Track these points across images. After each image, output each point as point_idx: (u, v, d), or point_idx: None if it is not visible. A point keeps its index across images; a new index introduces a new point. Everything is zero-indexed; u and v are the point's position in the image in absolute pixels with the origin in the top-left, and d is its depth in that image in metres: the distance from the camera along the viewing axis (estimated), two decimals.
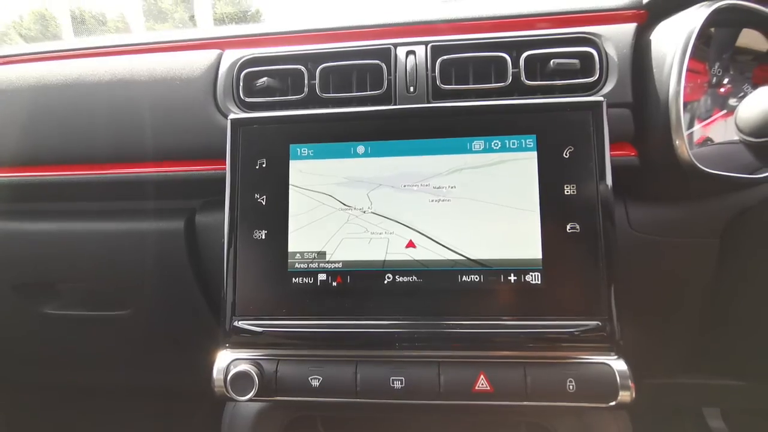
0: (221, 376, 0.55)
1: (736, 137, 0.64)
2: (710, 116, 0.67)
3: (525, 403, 0.52)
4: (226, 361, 0.55)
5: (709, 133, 0.67)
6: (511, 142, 0.56)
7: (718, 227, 0.67)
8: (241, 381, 0.53)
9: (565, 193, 0.54)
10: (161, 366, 1.05)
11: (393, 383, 0.53)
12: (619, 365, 0.52)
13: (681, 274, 0.70)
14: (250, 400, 0.54)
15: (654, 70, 0.60)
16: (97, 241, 0.81)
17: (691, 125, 0.66)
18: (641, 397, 0.69)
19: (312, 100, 0.65)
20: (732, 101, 0.66)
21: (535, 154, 0.55)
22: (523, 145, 0.55)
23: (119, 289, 0.85)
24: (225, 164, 0.60)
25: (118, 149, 0.74)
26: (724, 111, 0.67)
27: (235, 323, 0.56)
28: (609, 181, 0.53)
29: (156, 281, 0.84)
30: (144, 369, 1.06)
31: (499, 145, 0.56)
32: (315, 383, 0.54)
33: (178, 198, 0.80)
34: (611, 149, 0.55)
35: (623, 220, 0.68)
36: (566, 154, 0.54)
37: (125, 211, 0.81)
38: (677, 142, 0.60)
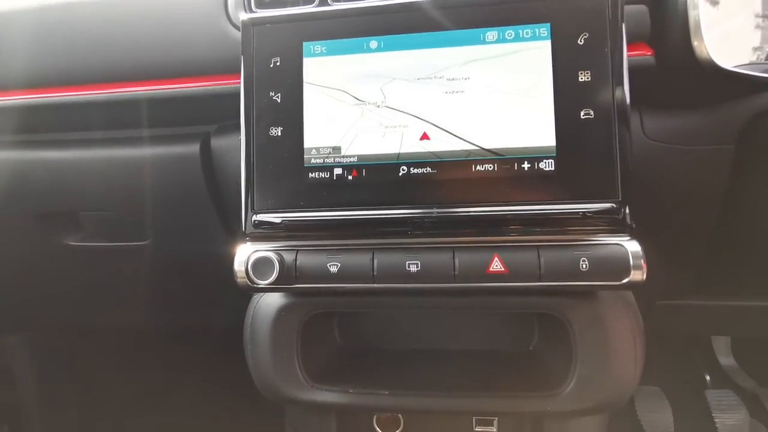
0: (242, 267, 0.57)
1: (757, 38, 0.63)
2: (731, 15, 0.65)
3: (538, 283, 0.53)
4: (247, 252, 0.57)
5: (729, 33, 0.66)
6: (525, 31, 0.55)
7: (734, 133, 0.66)
8: (262, 266, 0.55)
9: (579, 80, 0.54)
10: (181, 303, 1.08)
11: (409, 267, 0.55)
12: (631, 245, 0.52)
13: (696, 184, 0.70)
14: (271, 286, 0.56)
15: None
16: (114, 168, 0.82)
17: (710, 23, 0.65)
18: (652, 321, 0.71)
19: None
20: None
21: (549, 42, 0.55)
22: (537, 35, 0.55)
23: (138, 217, 0.86)
24: (239, 78, 0.60)
25: (126, 65, 0.74)
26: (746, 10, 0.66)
27: (254, 217, 0.58)
28: (624, 65, 0.53)
29: (173, 207, 0.85)
30: (164, 308, 1.09)
31: (513, 35, 0.55)
32: (333, 269, 0.56)
33: (193, 123, 0.81)
34: (627, 49, 0.54)
35: (638, 129, 0.68)
36: (581, 41, 0.54)
37: (141, 137, 0.82)
38: (696, 43, 0.60)
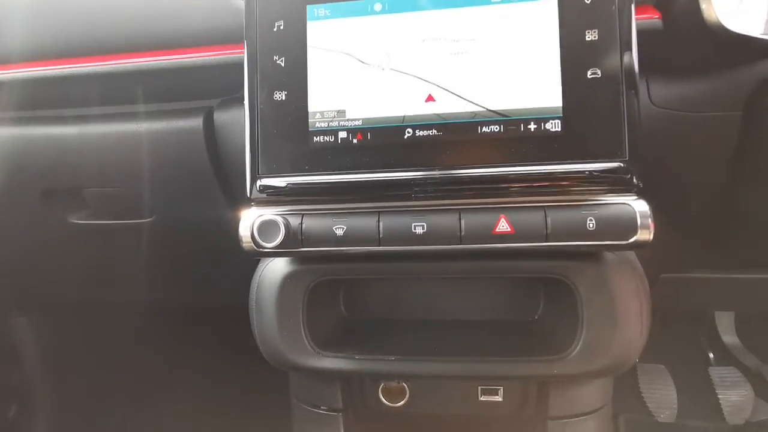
0: (248, 231, 0.57)
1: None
2: None
3: (545, 244, 0.53)
4: (252, 216, 0.57)
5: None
6: None
7: (742, 99, 0.65)
8: (267, 229, 0.55)
9: (586, 39, 0.53)
10: (187, 281, 1.09)
11: (415, 229, 0.54)
12: (639, 205, 0.52)
13: (702, 152, 0.70)
14: (277, 250, 0.56)
15: None
16: (116, 143, 0.82)
17: None
18: (656, 294, 0.70)
19: None
20: None
21: (555, 1, 0.54)
22: None
23: (142, 194, 0.86)
24: (242, 48, 0.60)
25: (126, 37, 0.74)
26: None
27: (259, 181, 0.58)
28: (633, 23, 0.52)
29: (177, 183, 0.85)
30: (170, 286, 1.10)
31: None
32: (339, 232, 0.56)
33: (196, 98, 0.81)
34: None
35: (644, 95, 0.67)
36: (588, 0, 0.53)
37: (143, 112, 0.82)
38: (704, 6, 0.59)
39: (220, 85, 0.77)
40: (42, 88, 0.81)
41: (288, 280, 0.64)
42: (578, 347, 0.60)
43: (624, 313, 0.58)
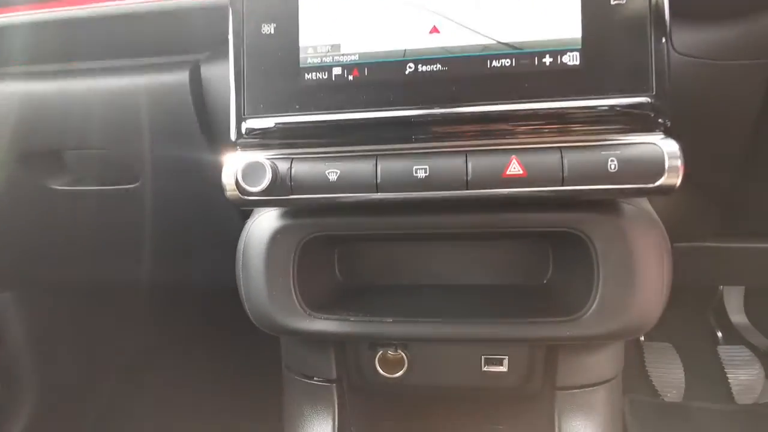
0: (232, 177, 0.52)
1: None
2: None
3: (561, 188, 0.48)
4: (237, 160, 0.52)
5: None
6: None
7: None
8: (253, 172, 0.50)
9: None
10: (175, 254, 1.03)
11: (416, 173, 0.49)
12: (667, 145, 0.47)
13: (727, 105, 0.64)
14: (264, 198, 0.51)
15: None
16: (98, 100, 0.76)
17: None
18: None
19: None
20: None
21: None
22: None
23: (126, 156, 0.81)
24: None
25: None
26: None
27: (245, 122, 0.52)
28: None
29: (162, 144, 0.79)
30: (159, 259, 1.04)
31: None
32: (332, 177, 0.50)
33: (182, 52, 0.75)
34: None
35: None
36: None
37: (128, 67, 0.77)
38: None
39: (207, 37, 0.72)
40: (14, 38, 0.75)
41: (277, 236, 0.59)
42: (593, 307, 0.55)
43: (644, 268, 0.53)
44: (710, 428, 1.13)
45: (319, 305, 0.63)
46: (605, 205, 0.54)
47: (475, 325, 0.58)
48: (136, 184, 0.84)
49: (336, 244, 0.70)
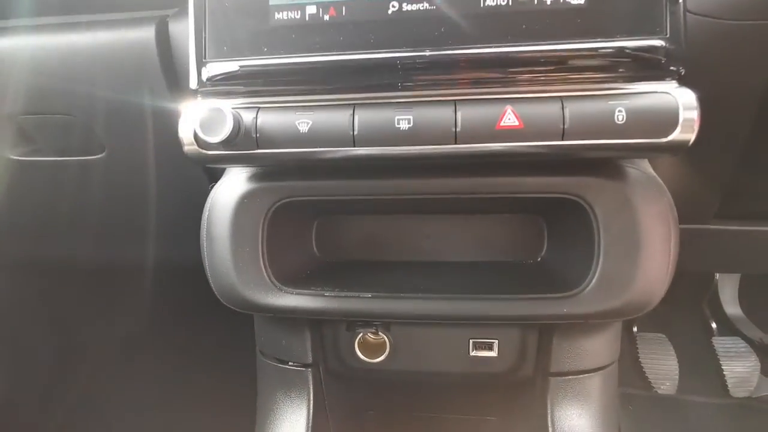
0: (189, 131, 0.46)
1: None
2: None
3: (561, 142, 0.42)
4: (195, 109, 0.45)
5: None
6: None
7: None
8: (212, 119, 0.43)
9: None
10: (145, 232, 0.97)
11: (398, 123, 0.43)
12: (683, 94, 0.41)
13: (740, 69, 0.59)
14: (228, 152, 0.45)
15: None
16: (59, 58, 0.70)
17: None
18: None
19: None
20: None
21: None
22: None
23: (90, 124, 0.74)
24: None
25: None
26: None
27: (206, 67, 0.46)
28: None
29: (129, 107, 0.73)
30: (126, 238, 0.98)
31: None
32: (303, 128, 0.44)
33: (150, 7, 0.69)
34: None
35: None
36: None
37: (91, 22, 0.70)
38: None
39: None
40: None
41: (244, 201, 0.53)
42: (593, 282, 0.49)
43: (649, 238, 0.48)
44: (704, 423, 1.09)
45: (292, 281, 0.57)
46: (607, 168, 0.49)
47: (463, 302, 0.53)
48: (102, 154, 0.78)
49: (314, 217, 0.64)
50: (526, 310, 0.51)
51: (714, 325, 1.22)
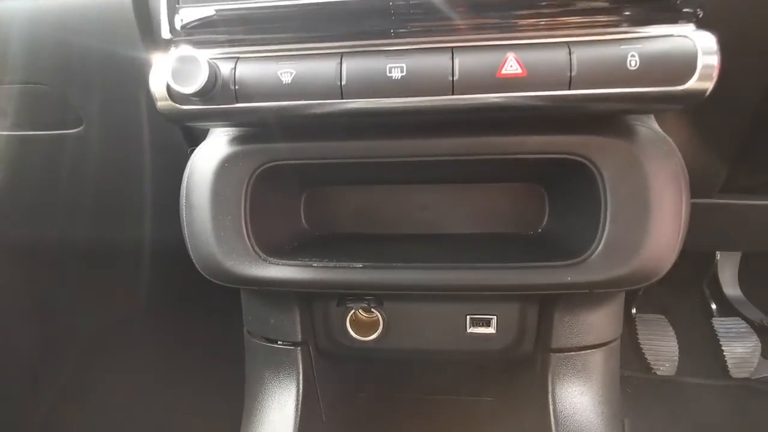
0: (162, 84, 0.42)
1: None
2: None
3: (567, 92, 0.39)
4: (167, 58, 0.41)
5: None
6: None
7: None
8: (185, 69, 0.39)
9: None
10: (127, 213, 0.92)
11: (390, 72, 0.40)
12: (702, 38, 0.38)
13: (756, 35, 0.56)
14: (203, 106, 0.41)
15: None
16: (28, 20, 0.65)
17: None
18: None
19: None
20: None
21: None
22: None
23: (66, 94, 0.70)
24: None
25: None
26: None
27: (179, 13, 0.42)
28: None
29: (107, 76, 0.69)
30: (110, 219, 0.94)
31: None
32: (286, 78, 0.40)
33: None
34: None
35: None
36: None
37: None
38: None
39: None
40: None
41: (225, 166, 0.49)
42: (599, 248, 0.46)
43: (660, 201, 0.45)
44: (704, 404, 1.08)
45: (278, 253, 0.53)
46: (615, 126, 0.46)
47: (460, 271, 0.49)
48: (80, 128, 0.73)
49: (302, 188, 0.60)
50: (527, 279, 0.48)
51: (714, 306, 1.20)
